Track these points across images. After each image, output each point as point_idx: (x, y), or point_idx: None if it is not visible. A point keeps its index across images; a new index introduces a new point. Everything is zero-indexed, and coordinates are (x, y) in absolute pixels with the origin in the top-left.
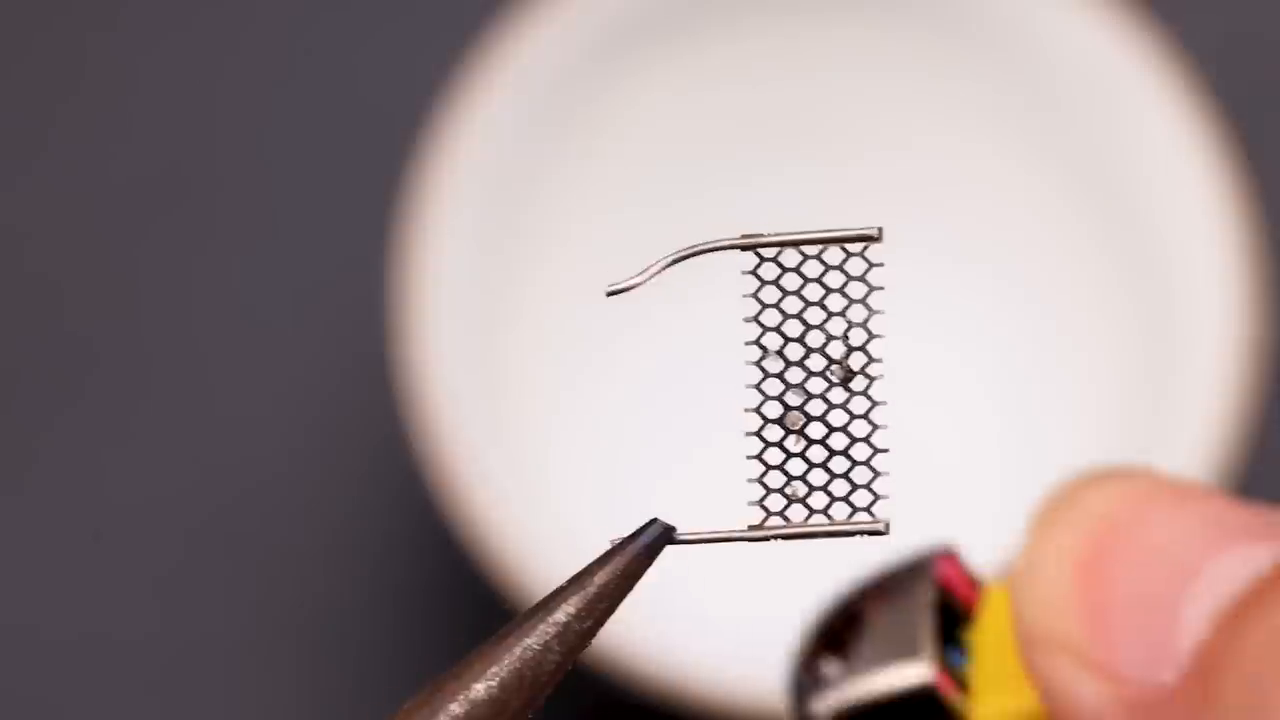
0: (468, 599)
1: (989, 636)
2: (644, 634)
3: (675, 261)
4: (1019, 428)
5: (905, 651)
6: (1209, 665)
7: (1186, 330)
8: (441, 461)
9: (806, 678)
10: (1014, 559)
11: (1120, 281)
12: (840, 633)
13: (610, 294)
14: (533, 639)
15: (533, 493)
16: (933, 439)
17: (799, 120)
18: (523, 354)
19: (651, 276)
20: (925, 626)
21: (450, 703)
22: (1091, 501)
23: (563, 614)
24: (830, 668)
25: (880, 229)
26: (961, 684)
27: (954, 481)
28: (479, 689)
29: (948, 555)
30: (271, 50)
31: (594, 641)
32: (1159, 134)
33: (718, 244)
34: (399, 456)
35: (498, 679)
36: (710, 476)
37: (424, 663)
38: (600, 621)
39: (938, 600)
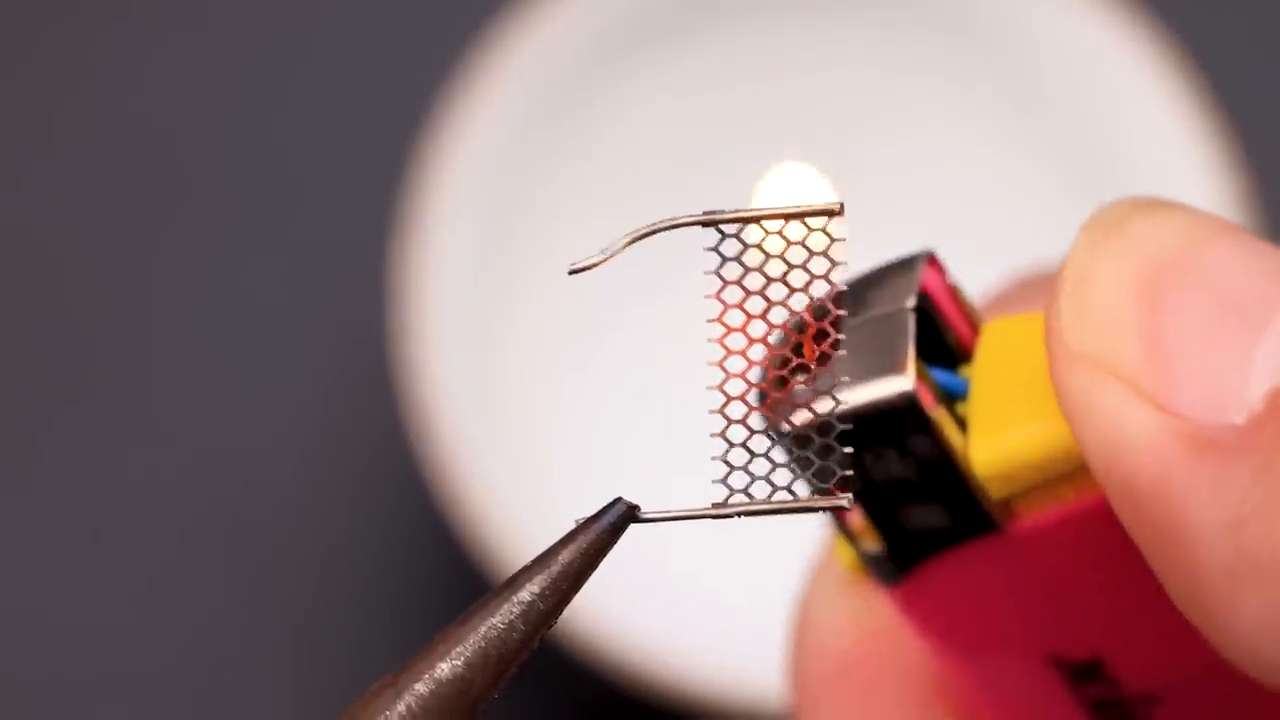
0: (467, 598)
1: (991, 371)
2: (642, 632)
3: (637, 239)
4: None
5: (882, 361)
6: None
7: None
8: (441, 461)
9: (775, 393)
10: (1057, 274)
11: None
12: (813, 340)
13: (572, 272)
14: (497, 618)
15: (533, 493)
16: None
17: (799, 120)
18: (522, 354)
19: (613, 255)
20: (904, 335)
21: (416, 682)
22: (1149, 227)
23: (527, 593)
24: (801, 381)
25: (841, 203)
26: (943, 402)
27: None
28: (444, 668)
29: (931, 262)
30: (272, 51)
31: (603, 644)
32: (1159, 133)
33: (679, 221)
34: (399, 456)
35: (463, 658)
36: (712, 473)
37: None
38: (565, 600)
39: (919, 310)
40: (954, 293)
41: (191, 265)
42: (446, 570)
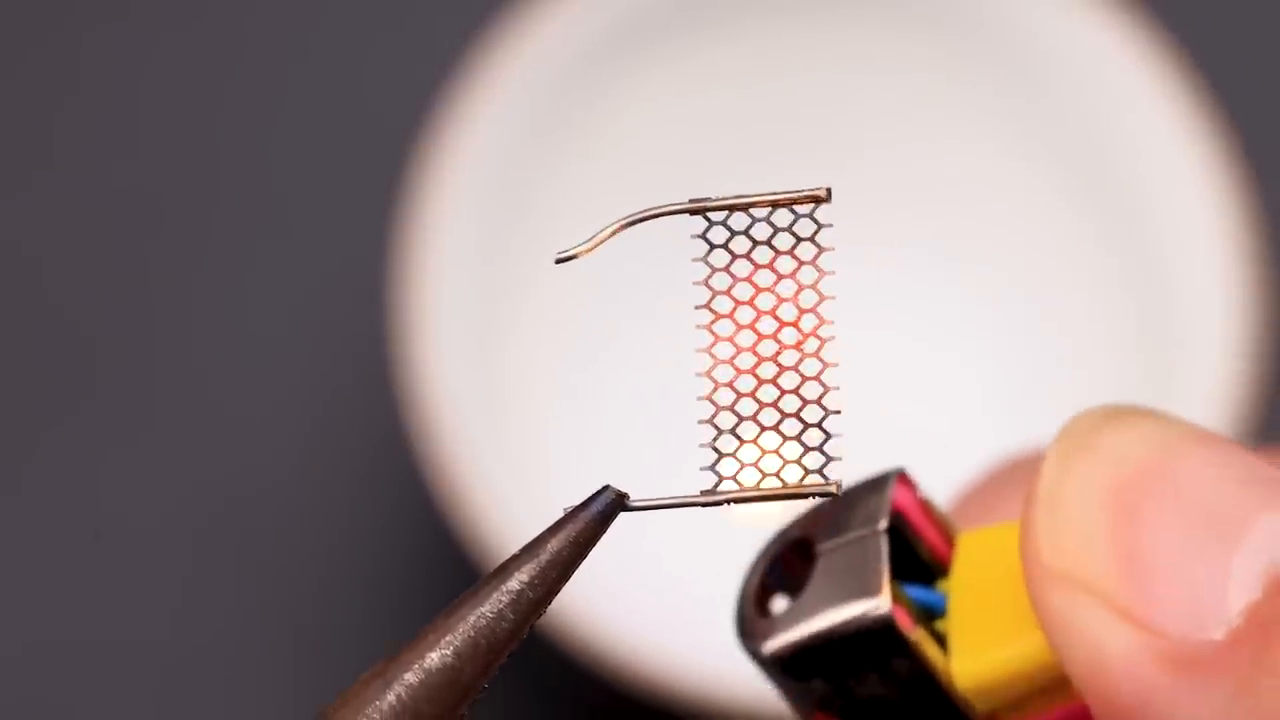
0: None
1: (968, 585)
2: (641, 632)
3: (623, 227)
4: (1017, 427)
5: (858, 584)
6: (1264, 626)
7: (1186, 330)
8: (441, 461)
9: (754, 616)
10: (1030, 491)
11: (1120, 281)
12: (788, 566)
13: (558, 261)
14: (486, 607)
15: (533, 493)
16: (931, 439)
17: (799, 121)
18: (523, 354)
19: (600, 242)
20: (879, 557)
21: (405, 672)
22: (1119, 439)
23: (516, 582)
24: (779, 604)
25: (829, 189)
26: (921, 621)
27: (950, 483)
28: (434, 657)
29: (902, 480)
30: (273, 52)
31: (601, 639)
32: (1158, 134)
33: (666, 209)
34: (399, 456)
35: (452, 647)
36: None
37: None
38: (554, 589)
39: (893, 529)
40: (926, 507)
41: (192, 266)
42: (446, 570)
